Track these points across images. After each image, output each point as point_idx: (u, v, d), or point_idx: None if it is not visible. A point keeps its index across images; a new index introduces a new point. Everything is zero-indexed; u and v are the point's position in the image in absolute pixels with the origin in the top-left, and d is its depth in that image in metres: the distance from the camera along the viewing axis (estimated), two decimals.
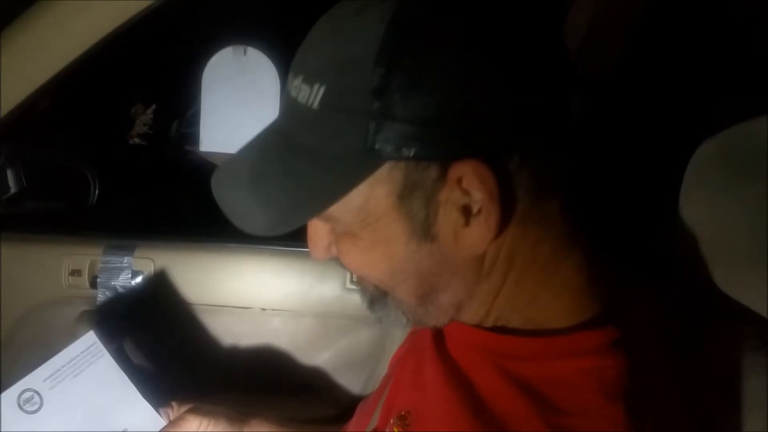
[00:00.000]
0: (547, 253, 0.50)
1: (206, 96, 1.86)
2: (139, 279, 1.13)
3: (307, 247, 1.12)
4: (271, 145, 0.50)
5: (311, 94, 0.45)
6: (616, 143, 0.74)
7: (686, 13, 0.67)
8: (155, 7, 0.88)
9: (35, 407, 0.63)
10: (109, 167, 1.58)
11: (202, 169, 2.00)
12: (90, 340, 0.77)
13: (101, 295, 1.12)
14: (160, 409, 0.79)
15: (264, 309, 1.15)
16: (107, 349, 0.78)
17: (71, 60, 0.93)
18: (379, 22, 0.43)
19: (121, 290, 1.12)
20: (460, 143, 0.43)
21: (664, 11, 0.67)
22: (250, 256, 1.15)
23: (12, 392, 0.64)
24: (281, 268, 1.14)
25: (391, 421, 0.55)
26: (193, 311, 1.16)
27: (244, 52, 1.81)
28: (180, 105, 2.12)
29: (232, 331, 1.17)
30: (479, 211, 0.45)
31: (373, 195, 0.46)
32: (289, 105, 0.49)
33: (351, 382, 1.14)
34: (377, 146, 0.43)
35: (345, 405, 0.86)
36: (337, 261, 1.10)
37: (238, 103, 1.83)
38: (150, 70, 2.12)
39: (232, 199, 0.52)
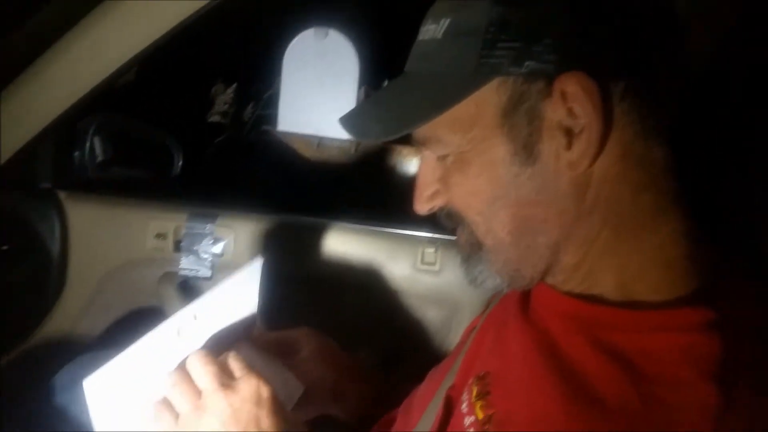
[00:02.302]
0: (648, 205, 0.49)
1: (287, 77, 1.90)
2: (220, 245, 1.18)
3: (381, 226, 1.17)
4: (395, 81, 0.56)
5: (437, 29, 0.50)
6: (710, 139, 0.73)
7: None
8: None
9: (188, 333, 0.62)
10: (191, 143, 1.64)
11: (277, 148, 2.06)
12: (256, 264, 0.71)
13: (184, 258, 1.18)
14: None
15: (333, 283, 1.18)
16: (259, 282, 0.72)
17: (158, 37, 0.97)
18: None
19: (203, 255, 1.17)
20: (567, 59, 0.46)
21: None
22: (324, 231, 1.19)
23: (177, 317, 0.62)
24: (354, 244, 1.17)
25: (470, 381, 0.56)
26: (269, 278, 1.19)
27: (326, 35, 1.84)
28: (260, 86, 2.17)
29: (301, 302, 1.20)
30: (581, 131, 0.46)
31: (480, 112, 0.49)
32: (414, 49, 0.54)
33: (417, 359, 1.16)
34: (489, 61, 0.47)
35: (410, 378, 0.88)
36: (408, 242, 1.13)
37: (318, 84, 1.87)
38: (232, 50, 2.18)
39: (353, 120, 0.57)
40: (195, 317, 0.63)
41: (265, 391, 0.58)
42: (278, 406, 0.59)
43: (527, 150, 0.48)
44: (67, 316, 1.24)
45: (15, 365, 1.21)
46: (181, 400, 0.58)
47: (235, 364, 0.61)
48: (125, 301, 1.25)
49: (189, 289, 1.23)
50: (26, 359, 1.22)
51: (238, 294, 0.70)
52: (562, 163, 0.48)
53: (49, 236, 1.19)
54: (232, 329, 0.69)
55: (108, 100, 1.20)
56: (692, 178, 0.52)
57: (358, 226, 1.19)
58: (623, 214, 0.50)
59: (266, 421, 0.57)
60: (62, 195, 1.22)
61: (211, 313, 0.66)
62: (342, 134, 0.60)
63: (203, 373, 0.59)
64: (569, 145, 0.47)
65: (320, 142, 2.02)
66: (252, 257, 1.16)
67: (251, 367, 0.61)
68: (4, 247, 1.07)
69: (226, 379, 0.59)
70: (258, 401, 0.58)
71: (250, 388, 0.58)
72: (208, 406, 0.57)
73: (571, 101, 0.46)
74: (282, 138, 2.05)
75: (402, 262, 1.16)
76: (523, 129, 0.48)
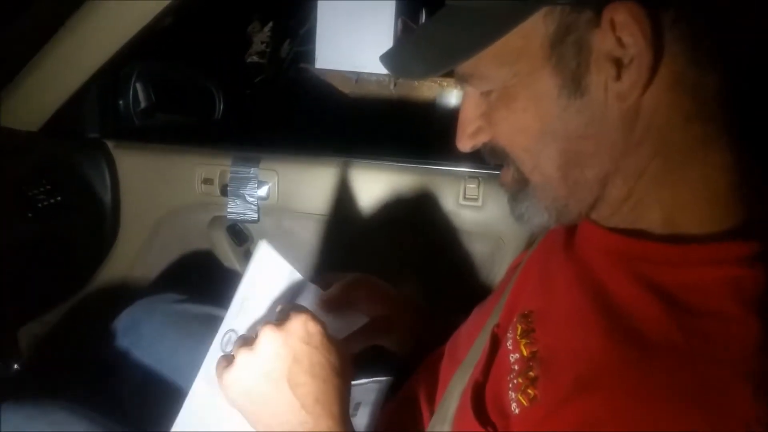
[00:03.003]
0: (698, 135, 0.48)
1: (322, 11, 1.87)
2: (264, 189, 1.20)
3: (422, 162, 1.17)
4: (436, 16, 0.54)
5: None
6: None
7: None
8: None
9: (231, 345, 0.64)
10: (231, 84, 1.65)
11: (317, 86, 2.05)
12: (261, 250, 0.70)
13: (231, 202, 1.21)
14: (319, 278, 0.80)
15: (376, 221, 1.19)
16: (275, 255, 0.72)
17: None
18: None
19: (249, 198, 1.20)
20: None
21: None
22: (366, 170, 1.19)
23: (217, 339, 0.64)
24: (397, 182, 1.18)
25: (515, 319, 0.57)
26: (312, 220, 1.22)
27: None
28: (295, 22, 2.15)
29: (346, 241, 1.23)
30: (631, 61, 0.45)
31: (526, 44, 0.48)
32: None
33: (461, 294, 1.18)
34: None
35: (455, 314, 0.90)
36: (450, 178, 1.12)
37: (354, 18, 1.83)
38: None
39: (395, 57, 0.56)
40: (234, 330, 0.65)
41: (312, 326, 0.59)
42: (327, 340, 0.59)
43: (575, 82, 0.47)
44: (123, 262, 1.30)
45: (75, 311, 1.29)
46: (238, 348, 0.60)
47: (284, 307, 0.62)
48: (178, 245, 1.30)
49: (238, 233, 1.26)
50: (86, 305, 1.29)
51: (267, 282, 0.70)
52: (611, 94, 0.47)
53: (101, 185, 1.24)
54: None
55: (147, 47, 1.21)
56: (745, 107, 0.51)
57: (399, 164, 1.19)
58: (672, 144, 0.49)
59: (316, 355, 0.58)
60: (111, 144, 1.25)
61: (249, 315, 0.67)
62: (381, 69, 0.59)
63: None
64: (618, 76, 0.46)
65: (359, 77, 2.00)
66: (295, 198, 1.19)
67: (301, 307, 0.62)
68: (58, 198, 1.11)
69: (277, 321, 0.60)
70: (306, 336, 0.58)
71: (298, 324, 0.58)
72: (259, 345, 0.58)
73: (621, 31, 0.44)
74: (320, 75, 2.04)
75: (444, 198, 1.16)
76: (571, 60, 0.47)
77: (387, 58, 0.56)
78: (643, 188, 0.50)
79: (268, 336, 0.58)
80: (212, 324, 0.92)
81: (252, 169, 1.20)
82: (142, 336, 0.95)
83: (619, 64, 0.46)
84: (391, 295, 0.84)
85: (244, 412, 0.60)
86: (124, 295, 1.22)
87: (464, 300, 0.82)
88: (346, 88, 2.06)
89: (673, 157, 0.49)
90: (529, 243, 0.75)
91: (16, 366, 1.25)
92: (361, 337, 0.79)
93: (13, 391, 1.11)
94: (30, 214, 1.04)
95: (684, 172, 0.49)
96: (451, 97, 1.96)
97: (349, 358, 0.62)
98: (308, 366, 0.58)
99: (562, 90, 0.48)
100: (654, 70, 0.46)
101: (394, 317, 0.83)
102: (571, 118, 0.48)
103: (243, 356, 0.59)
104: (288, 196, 1.21)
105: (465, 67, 0.51)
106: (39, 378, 1.23)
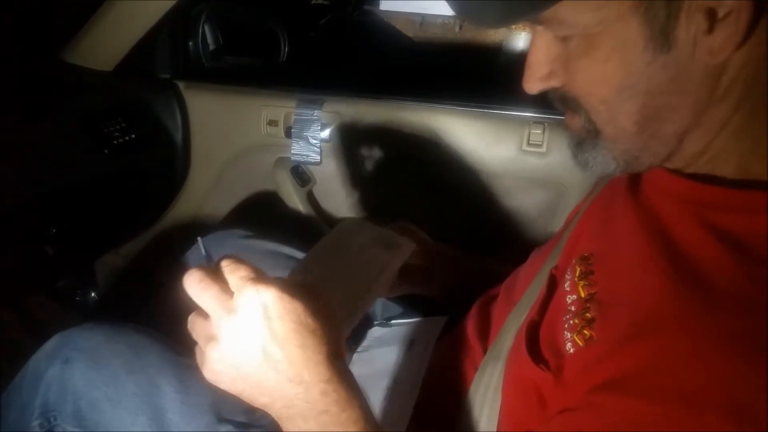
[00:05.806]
0: None
1: None
2: (327, 131, 1.22)
3: (485, 107, 1.15)
4: None
5: None
6: None
7: None
8: None
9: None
10: (295, 27, 1.65)
11: (381, 29, 2.03)
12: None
13: (295, 144, 1.23)
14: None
15: (438, 165, 1.19)
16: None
17: None
18: None
19: (311, 140, 1.22)
20: None
21: None
22: (428, 113, 1.18)
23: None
24: (459, 126, 1.17)
25: (574, 261, 0.57)
26: (374, 162, 1.23)
27: None
28: None
29: (405, 184, 1.24)
30: (728, 14, 0.42)
31: None
32: None
33: (522, 240, 1.17)
34: None
35: (515, 260, 0.90)
36: (514, 123, 1.11)
37: None
38: None
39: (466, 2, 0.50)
40: None
41: (265, 296, 0.50)
42: (286, 302, 0.50)
43: (663, 35, 0.44)
44: (193, 199, 1.35)
45: (149, 244, 1.35)
46: (196, 333, 0.54)
47: (230, 277, 0.52)
48: (244, 184, 1.34)
49: (301, 174, 1.29)
50: (158, 239, 1.35)
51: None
52: (700, 49, 0.44)
53: (173, 125, 1.28)
54: None
55: None
56: None
57: (461, 108, 1.18)
58: (758, 97, 0.46)
59: (281, 325, 0.50)
60: (181, 85, 1.29)
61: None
62: (446, 11, 0.54)
63: (202, 300, 0.52)
64: (710, 30, 0.43)
65: (423, 20, 1.97)
66: (357, 141, 1.20)
67: (250, 272, 0.52)
68: (132, 136, 1.15)
69: (226, 299, 0.51)
70: (263, 311, 0.50)
71: (249, 305, 0.50)
72: (222, 341, 0.51)
73: None
74: (384, 17, 2.02)
75: (507, 144, 1.15)
76: (661, 11, 0.43)
77: (457, 1, 0.50)
78: (722, 142, 0.49)
79: (227, 331, 0.51)
80: (276, 259, 0.96)
81: (315, 111, 1.21)
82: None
83: (712, 17, 0.42)
84: (429, 247, 0.85)
85: (241, 396, 0.54)
86: (193, 231, 1.27)
87: (524, 246, 0.82)
88: (410, 31, 2.03)
89: (756, 109, 0.47)
90: (593, 188, 0.73)
91: (93, 294, 1.33)
92: (397, 287, 0.80)
93: (92, 317, 1.19)
94: (106, 150, 1.09)
95: (765, 124, 0.47)
96: (519, 40, 1.90)
97: (322, 304, 0.53)
98: (279, 341, 0.50)
99: (648, 42, 0.45)
100: (753, 24, 0.42)
101: (430, 268, 0.84)
102: (656, 72, 0.46)
103: (211, 349, 0.52)
104: (350, 139, 1.22)
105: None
106: (115, 305, 1.31)
